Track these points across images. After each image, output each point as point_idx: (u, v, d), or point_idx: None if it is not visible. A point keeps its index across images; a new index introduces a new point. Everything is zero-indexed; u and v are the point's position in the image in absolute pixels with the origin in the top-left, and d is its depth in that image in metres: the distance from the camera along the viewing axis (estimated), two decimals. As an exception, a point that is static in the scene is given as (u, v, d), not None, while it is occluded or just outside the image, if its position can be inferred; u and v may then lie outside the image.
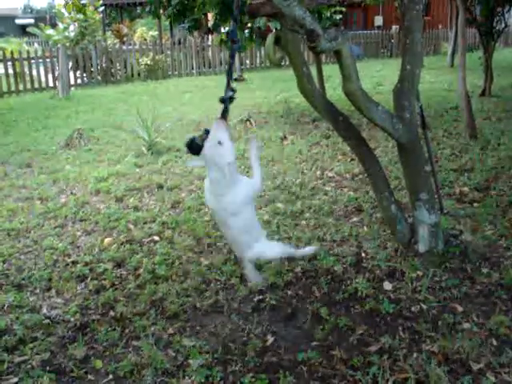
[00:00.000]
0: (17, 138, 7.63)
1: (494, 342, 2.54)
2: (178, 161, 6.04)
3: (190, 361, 2.51)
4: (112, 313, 2.97)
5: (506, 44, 20.65)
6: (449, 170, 5.09)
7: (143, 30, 23.20)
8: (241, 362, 2.49)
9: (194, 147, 2.64)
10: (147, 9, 9.37)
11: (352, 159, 5.56)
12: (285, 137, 6.97)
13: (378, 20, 23.99)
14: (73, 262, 3.61)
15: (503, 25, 9.08)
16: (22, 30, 27.64)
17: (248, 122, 7.63)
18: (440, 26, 20.92)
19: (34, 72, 13.33)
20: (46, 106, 10.65)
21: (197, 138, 2.65)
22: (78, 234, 4.11)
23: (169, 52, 15.76)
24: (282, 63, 9.91)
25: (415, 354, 2.47)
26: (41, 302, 3.12)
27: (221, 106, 2.83)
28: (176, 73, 15.71)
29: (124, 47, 15.42)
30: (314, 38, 2.64)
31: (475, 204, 4.25)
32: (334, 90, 9.34)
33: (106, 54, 14.53)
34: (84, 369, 2.52)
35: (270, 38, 2.96)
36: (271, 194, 4.71)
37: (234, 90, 2.78)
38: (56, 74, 12.98)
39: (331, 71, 10.79)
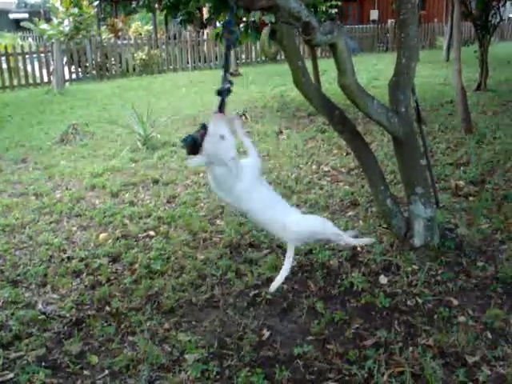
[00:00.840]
0: (11, 133, 7.59)
1: (490, 336, 2.55)
2: (173, 156, 6.02)
3: (186, 356, 2.51)
4: (108, 308, 2.96)
5: (501, 38, 20.64)
6: (444, 164, 5.10)
7: (138, 25, 23.05)
8: (237, 356, 2.49)
9: (197, 146, 2.56)
10: (141, 2, 9.27)
11: (348, 153, 5.56)
12: (280, 131, 6.97)
13: (374, 14, 23.97)
14: (68, 258, 3.60)
15: (499, 19, 9.07)
16: (16, 25, 27.43)
17: (243, 117, 7.61)
18: (435, 20, 20.91)
19: (29, 67, 13.23)
20: (40, 101, 10.59)
21: (196, 136, 2.57)
22: (74, 229, 4.10)
23: (164, 47, 15.67)
24: (278, 57, 9.90)
25: (411, 348, 2.48)
26: (36, 298, 3.12)
27: (217, 99, 2.79)
28: (171, 67, 15.63)
29: (119, 42, 15.32)
30: (310, 31, 2.63)
31: (471, 198, 4.26)
32: (329, 84, 9.33)
33: (101, 48, 14.44)
34: (80, 364, 2.51)
35: (265, 32, 2.94)
36: (267, 189, 4.70)
37: (231, 82, 2.73)
38: (51, 68, 12.89)
39: (327, 65, 10.81)
